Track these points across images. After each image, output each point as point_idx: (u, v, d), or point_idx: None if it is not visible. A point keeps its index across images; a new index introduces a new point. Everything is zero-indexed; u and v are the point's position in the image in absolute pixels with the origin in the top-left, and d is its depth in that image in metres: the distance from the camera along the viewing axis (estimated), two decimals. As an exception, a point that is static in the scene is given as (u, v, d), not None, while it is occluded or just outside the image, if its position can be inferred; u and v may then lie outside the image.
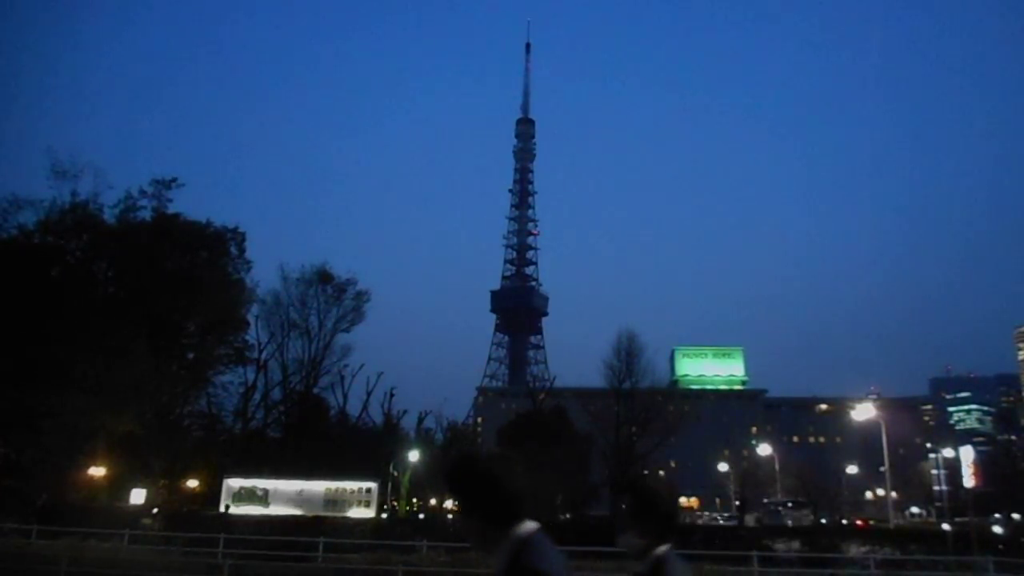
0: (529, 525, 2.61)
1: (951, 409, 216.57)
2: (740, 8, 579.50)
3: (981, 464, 46.18)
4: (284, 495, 34.75)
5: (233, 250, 49.99)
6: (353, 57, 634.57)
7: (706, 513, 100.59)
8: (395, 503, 58.79)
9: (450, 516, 63.82)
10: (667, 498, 3.19)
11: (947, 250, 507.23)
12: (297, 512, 33.39)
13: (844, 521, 57.44)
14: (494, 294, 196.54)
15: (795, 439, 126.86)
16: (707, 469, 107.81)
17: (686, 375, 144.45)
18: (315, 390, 54.85)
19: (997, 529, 50.04)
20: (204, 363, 49.09)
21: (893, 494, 61.79)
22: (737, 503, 72.83)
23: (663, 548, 3.04)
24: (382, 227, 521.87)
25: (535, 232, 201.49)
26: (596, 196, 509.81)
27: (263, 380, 52.56)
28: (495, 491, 2.60)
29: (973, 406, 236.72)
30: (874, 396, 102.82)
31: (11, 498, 34.06)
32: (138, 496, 39.88)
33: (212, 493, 39.48)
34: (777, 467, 73.33)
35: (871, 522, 62.03)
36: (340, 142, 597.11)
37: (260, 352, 52.31)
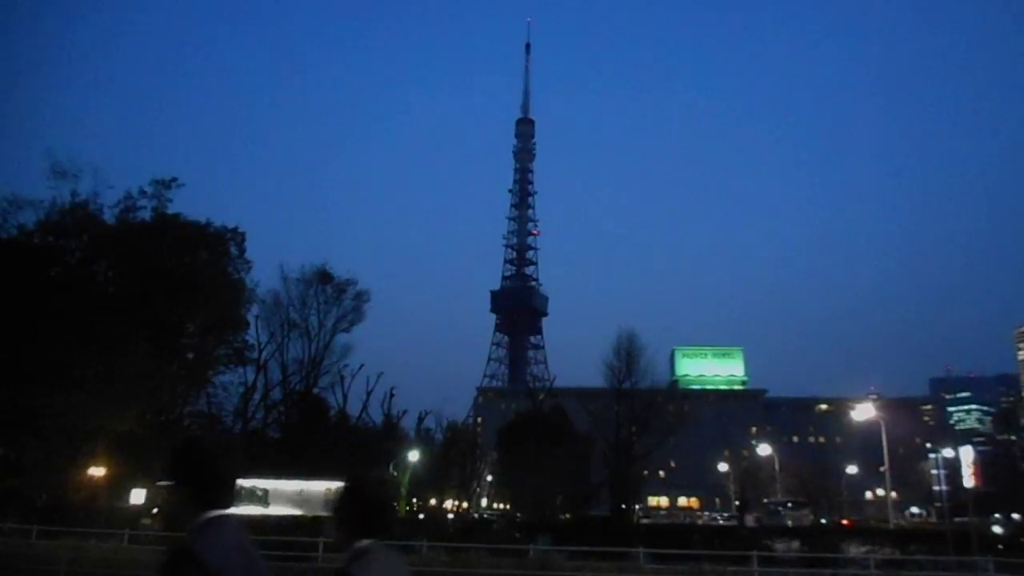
0: (219, 513, 2.78)
1: (951, 409, 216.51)
2: (741, 8, 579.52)
3: (981, 464, 46.13)
4: (284, 495, 34.73)
5: (233, 250, 49.97)
6: (353, 56, 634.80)
7: (706, 513, 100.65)
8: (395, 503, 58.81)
9: (450, 516, 63.88)
10: (371, 492, 3.15)
11: (947, 250, 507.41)
12: (297, 512, 33.39)
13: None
14: (494, 294, 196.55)
15: (795, 439, 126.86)
16: (707, 469, 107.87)
17: (686, 375, 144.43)
18: (315, 390, 54.89)
19: (997, 529, 50.05)
20: (204, 363, 49.04)
21: (893, 494, 61.83)
22: (737, 503, 72.81)
23: (366, 542, 3.01)
24: (382, 227, 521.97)
25: (535, 232, 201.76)
26: (596, 196, 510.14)
27: (263, 380, 52.58)
28: (203, 474, 2.83)
29: (973, 406, 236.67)
30: (874, 396, 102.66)
31: (11, 498, 34.05)
32: (138, 496, 39.84)
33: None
34: (777, 467, 73.35)
35: (871, 522, 62.10)
36: (340, 142, 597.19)
37: (260, 352, 52.36)
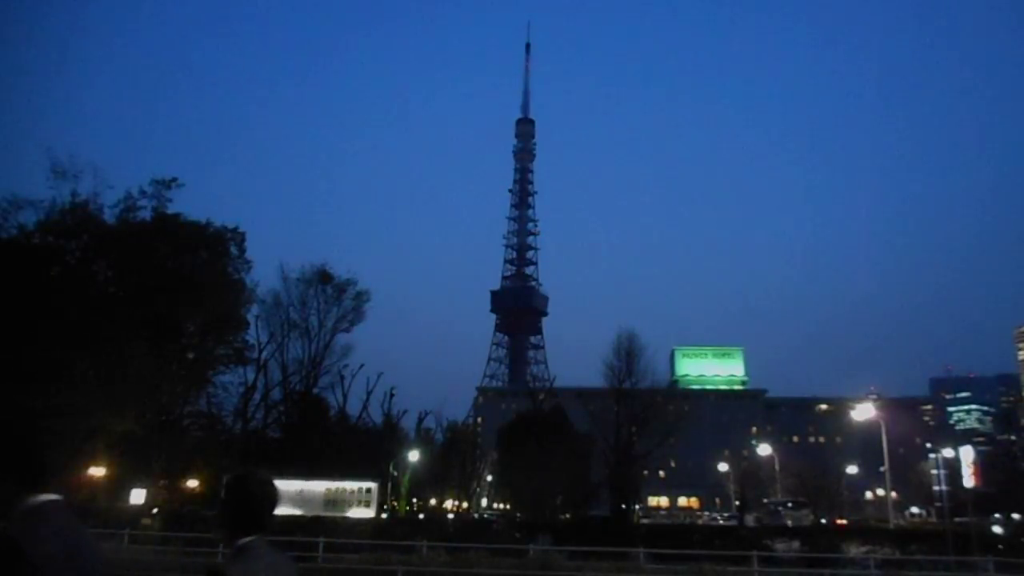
0: (46, 498, 2.68)
1: (951, 409, 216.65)
2: (741, 10, 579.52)
3: (981, 464, 46.08)
4: (284, 495, 34.51)
5: (233, 250, 49.93)
6: (353, 57, 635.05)
7: (706, 513, 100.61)
8: (395, 503, 58.78)
9: (450, 516, 63.84)
10: (254, 488, 3.13)
11: (947, 250, 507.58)
12: (297, 512, 33.35)
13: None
14: (494, 294, 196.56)
15: (795, 439, 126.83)
16: (707, 469, 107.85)
17: (686, 375, 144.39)
18: (315, 390, 54.85)
19: (997, 529, 49.98)
20: (204, 363, 49.02)
21: (893, 494, 61.73)
22: (737, 503, 72.78)
23: (247, 539, 3.00)
24: (382, 227, 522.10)
25: (535, 232, 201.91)
26: (596, 196, 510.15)
27: (263, 380, 52.54)
28: (17, 455, 2.73)
29: (973, 406, 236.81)
30: (874, 396, 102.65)
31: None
32: (138, 496, 39.88)
33: (212, 493, 39.44)
34: (777, 467, 73.30)
35: (872, 522, 62.03)
36: (340, 142, 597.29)
37: (260, 352, 52.34)
